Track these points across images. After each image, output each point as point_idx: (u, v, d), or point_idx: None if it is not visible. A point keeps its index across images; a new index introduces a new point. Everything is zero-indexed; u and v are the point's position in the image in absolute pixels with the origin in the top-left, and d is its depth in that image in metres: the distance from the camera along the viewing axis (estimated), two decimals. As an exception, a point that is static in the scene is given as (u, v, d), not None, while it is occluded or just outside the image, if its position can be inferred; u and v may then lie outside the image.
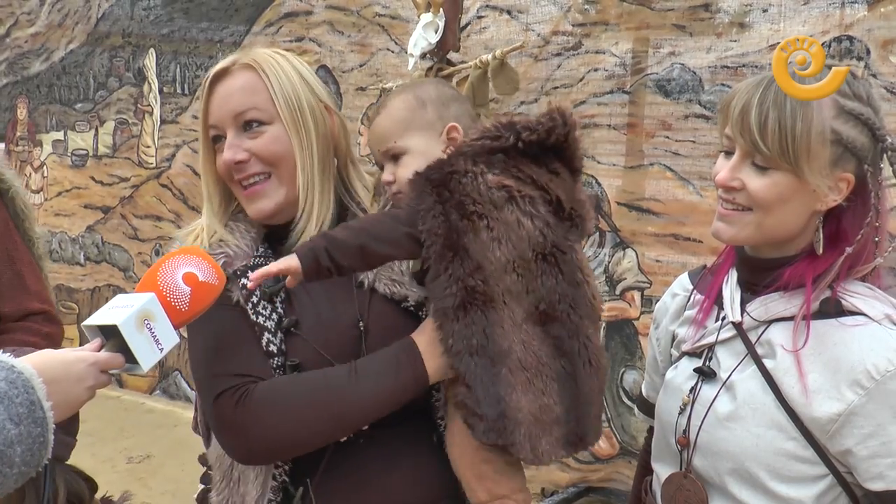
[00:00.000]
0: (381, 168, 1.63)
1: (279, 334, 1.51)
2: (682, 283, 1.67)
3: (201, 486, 1.87)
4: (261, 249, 1.60)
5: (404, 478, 1.55)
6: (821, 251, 1.38)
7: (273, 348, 1.50)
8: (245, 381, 1.47)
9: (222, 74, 1.59)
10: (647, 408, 1.73)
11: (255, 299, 1.52)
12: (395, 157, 1.59)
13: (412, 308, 1.58)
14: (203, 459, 1.88)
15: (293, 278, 1.42)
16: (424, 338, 1.49)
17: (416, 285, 1.59)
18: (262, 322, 1.51)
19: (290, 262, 1.41)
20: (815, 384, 1.34)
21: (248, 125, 1.57)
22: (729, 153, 1.39)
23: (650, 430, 1.74)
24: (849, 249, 1.36)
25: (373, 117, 1.64)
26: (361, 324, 1.54)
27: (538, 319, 1.45)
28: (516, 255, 1.42)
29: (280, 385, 1.47)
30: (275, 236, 1.65)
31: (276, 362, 1.50)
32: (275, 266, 1.41)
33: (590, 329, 1.48)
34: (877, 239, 1.39)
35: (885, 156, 1.39)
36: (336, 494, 1.53)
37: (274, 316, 1.53)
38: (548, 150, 1.49)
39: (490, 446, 1.45)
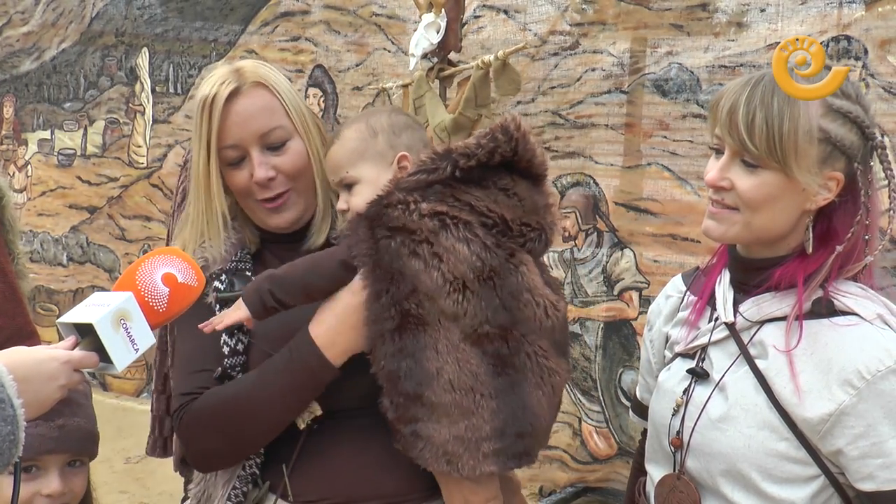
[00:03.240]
0: (337, 196, 1.66)
1: (234, 336, 1.58)
2: (676, 284, 1.66)
3: (184, 495, 1.89)
4: (238, 254, 1.66)
5: (379, 461, 1.58)
6: (810, 251, 1.38)
7: (227, 349, 1.57)
8: (188, 399, 1.55)
9: (235, 94, 1.60)
10: (642, 410, 1.73)
11: (221, 302, 1.61)
12: (349, 186, 1.62)
13: None
14: (177, 465, 1.89)
15: (248, 323, 1.51)
16: (322, 326, 1.52)
17: None
18: None
19: (239, 312, 1.50)
20: (806, 384, 1.34)
21: (272, 145, 1.62)
22: (719, 153, 1.40)
23: (645, 431, 1.74)
24: (839, 248, 1.37)
25: (328, 146, 1.67)
26: None
27: (477, 340, 1.48)
28: (454, 278, 1.46)
29: (204, 401, 1.54)
30: (273, 238, 1.70)
31: (229, 363, 1.57)
32: (228, 318, 1.49)
33: (538, 343, 1.51)
34: (867, 237, 1.39)
35: (874, 153, 1.39)
36: (311, 478, 1.57)
37: None
38: (495, 167, 1.51)
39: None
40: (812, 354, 1.35)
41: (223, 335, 1.58)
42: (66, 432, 1.69)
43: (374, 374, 1.49)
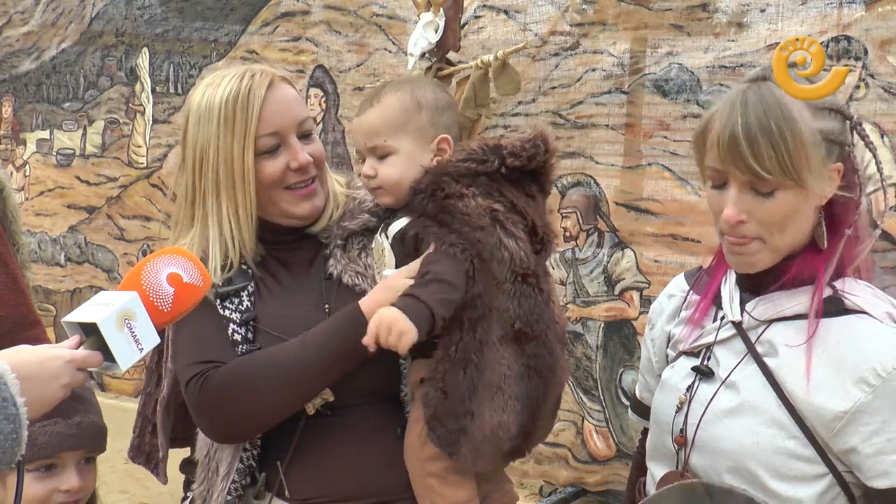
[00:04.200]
0: (363, 159, 1.64)
1: (244, 326, 1.60)
2: (679, 284, 1.66)
3: (184, 495, 1.89)
4: None
5: (374, 458, 1.59)
6: (825, 245, 1.39)
7: (238, 337, 1.59)
8: (208, 366, 1.55)
9: (272, 85, 1.62)
10: (642, 410, 1.72)
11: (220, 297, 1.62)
12: (381, 154, 1.59)
13: None
14: (183, 466, 1.90)
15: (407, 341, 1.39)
16: (370, 302, 1.54)
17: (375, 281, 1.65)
18: (228, 315, 1.60)
19: (410, 335, 1.39)
20: (819, 382, 1.34)
21: (305, 134, 1.66)
22: (718, 186, 1.38)
23: (644, 431, 1.74)
24: (849, 231, 1.38)
25: (363, 107, 1.63)
26: (327, 306, 1.63)
27: (514, 338, 1.49)
28: (505, 272, 1.48)
29: (236, 365, 1.55)
30: (276, 239, 1.71)
31: (241, 349, 1.58)
32: (405, 341, 1.39)
33: (556, 346, 1.54)
34: (856, 217, 1.40)
35: (854, 132, 1.40)
36: (307, 475, 1.58)
37: (241, 308, 1.61)
38: (526, 173, 1.55)
39: (438, 455, 1.52)
40: (824, 352, 1.35)
41: (231, 325, 1.59)
42: (84, 429, 1.72)
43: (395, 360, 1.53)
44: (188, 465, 1.87)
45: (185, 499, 1.88)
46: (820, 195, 1.36)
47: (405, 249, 1.57)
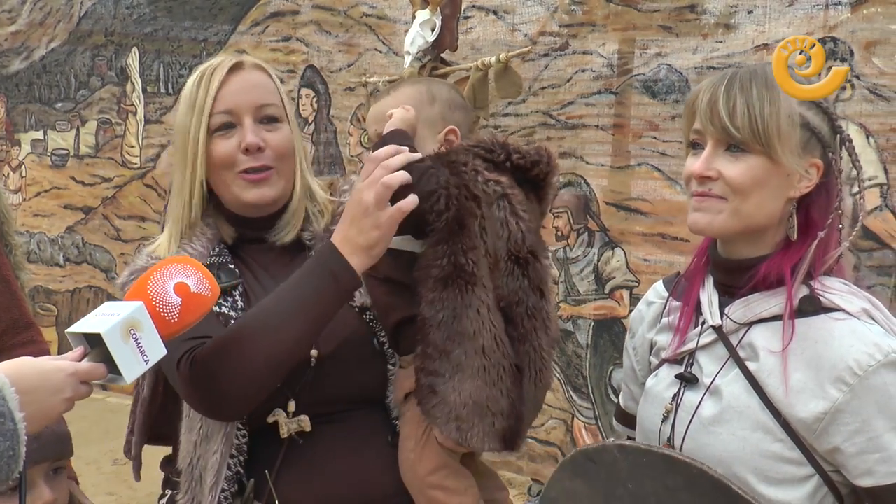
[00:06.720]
0: (374, 148, 1.64)
1: (230, 298, 1.59)
2: (658, 290, 1.65)
3: (161, 493, 1.87)
4: (216, 249, 1.65)
5: (365, 463, 1.58)
6: (795, 237, 1.39)
7: (227, 309, 1.57)
8: (197, 342, 1.50)
9: (237, 68, 1.64)
10: (627, 420, 1.71)
11: None
12: None
13: (357, 308, 1.63)
14: (164, 465, 1.87)
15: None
16: (339, 236, 1.50)
17: (364, 291, 1.63)
18: (225, 312, 1.58)
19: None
20: (798, 384, 1.34)
21: (265, 119, 1.63)
22: (697, 147, 1.40)
23: (629, 440, 1.73)
24: (821, 234, 1.38)
25: (380, 96, 1.67)
26: None
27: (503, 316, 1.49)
28: (492, 249, 1.48)
29: (221, 336, 1.51)
30: (244, 235, 1.69)
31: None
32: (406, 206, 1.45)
33: (542, 341, 1.53)
34: (841, 226, 1.41)
35: (843, 147, 1.41)
36: (297, 482, 1.56)
37: (236, 307, 1.60)
38: (526, 182, 1.55)
39: (437, 466, 1.52)
40: (802, 353, 1.35)
41: (219, 303, 1.57)
42: (44, 442, 1.66)
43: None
44: (169, 464, 1.84)
45: (162, 496, 1.85)
46: (792, 182, 1.37)
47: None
